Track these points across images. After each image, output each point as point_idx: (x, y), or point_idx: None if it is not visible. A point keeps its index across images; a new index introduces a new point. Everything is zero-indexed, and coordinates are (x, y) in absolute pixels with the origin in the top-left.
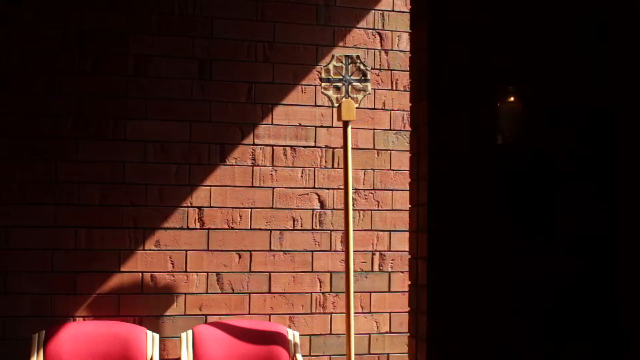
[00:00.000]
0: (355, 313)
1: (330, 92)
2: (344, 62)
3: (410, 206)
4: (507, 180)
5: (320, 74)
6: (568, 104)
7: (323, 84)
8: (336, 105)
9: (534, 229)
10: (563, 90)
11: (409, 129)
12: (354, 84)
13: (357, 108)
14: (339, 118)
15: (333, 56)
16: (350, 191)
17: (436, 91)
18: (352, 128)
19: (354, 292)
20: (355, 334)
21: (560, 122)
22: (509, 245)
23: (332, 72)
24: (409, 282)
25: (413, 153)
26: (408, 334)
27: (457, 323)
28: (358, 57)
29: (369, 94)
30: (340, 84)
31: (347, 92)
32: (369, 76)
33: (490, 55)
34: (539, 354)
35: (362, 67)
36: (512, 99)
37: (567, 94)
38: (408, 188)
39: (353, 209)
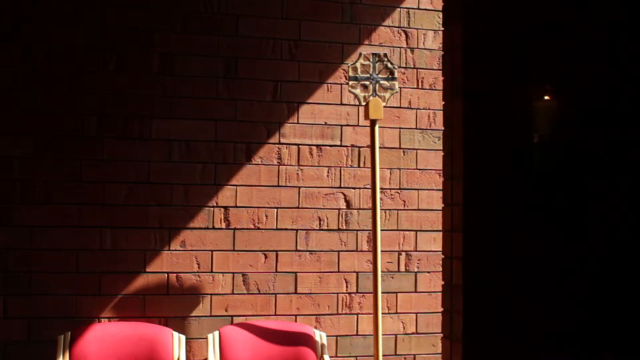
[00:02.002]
0: (382, 314)
1: (358, 91)
2: (371, 60)
3: (443, 205)
4: (543, 178)
5: (348, 73)
6: (604, 102)
7: (350, 83)
8: (363, 103)
9: (570, 227)
10: (599, 88)
11: (435, 127)
12: (381, 82)
13: (383, 107)
14: (366, 117)
15: (360, 54)
16: (378, 191)
17: (471, 89)
18: (378, 127)
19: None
20: (382, 334)
21: (596, 120)
22: (545, 244)
23: (359, 70)
24: (442, 282)
25: (446, 152)
26: (441, 334)
27: (493, 324)
28: (385, 55)
29: (396, 92)
30: (367, 83)
31: (374, 90)
32: (396, 74)
33: (526, 52)
34: (576, 354)
35: (389, 65)
36: (547, 97)
37: (603, 92)
38: (434, 187)
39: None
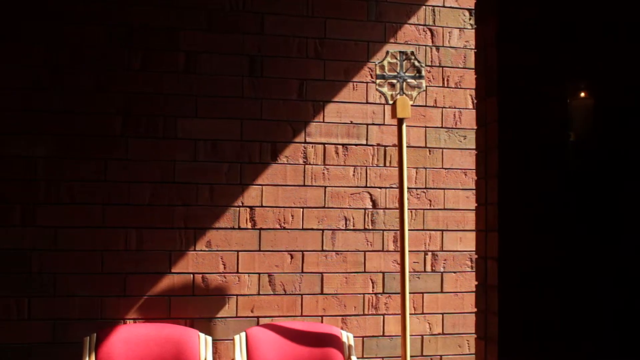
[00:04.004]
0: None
1: (385, 89)
2: (398, 58)
3: (476, 205)
4: (579, 177)
5: (375, 71)
6: None
7: (378, 81)
8: (391, 102)
9: (606, 227)
10: (636, 86)
11: (461, 126)
12: (409, 80)
13: (410, 105)
14: (394, 115)
15: (387, 52)
16: (406, 190)
17: (506, 87)
18: (405, 126)
19: None
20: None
21: (633, 119)
22: (580, 244)
23: (386, 68)
24: (476, 282)
25: (480, 151)
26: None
27: (528, 324)
28: (412, 53)
29: (424, 90)
30: (395, 81)
31: (401, 89)
32: (423, 73)
33: (561, 50)
34: (612, 355)
35: (416, 63)
36: (583, 94)
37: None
38: (460, 187)
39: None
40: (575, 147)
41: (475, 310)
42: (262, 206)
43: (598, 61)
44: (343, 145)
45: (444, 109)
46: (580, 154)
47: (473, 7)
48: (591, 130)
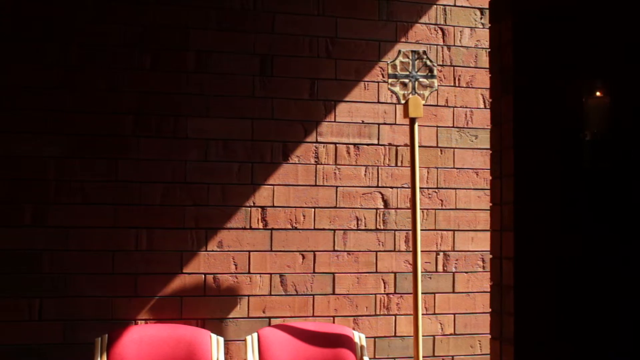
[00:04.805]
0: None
1: (397, 89)
2: (410, 57)
3: (491, 204)
4: (595, 176)
5: (387, 70)
6: None
7: (390, 80)
8: (403, 102)
9: (623, 226)
10: None
11: (472, 126)
12: (421, 80)
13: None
14: (406, 115)
15: (400, 52)
16: (418, 190)
17: (521, 86)
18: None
19: None
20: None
21: None
22: (597, 243)
23: (398, 68)
24: (491, 282)
25: (495, 150)
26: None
27: (544, 324)
28: (424, 52)
29: (436, 90)
30: (407, 80)
31: (413, 88)
32: (435, 72)
33: (577, 48)
34: (629, 355)
35: (428, 62)
36: (598, 93)
37: None
38: (471, 187)
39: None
40: (591, 146)
41: (487, 310)
42: (273, 206)
43: (614, 59)
44: (354, 145)
45: (455, 108)
46: (596, 153)
47: (484, 6)
48: (607, 129)
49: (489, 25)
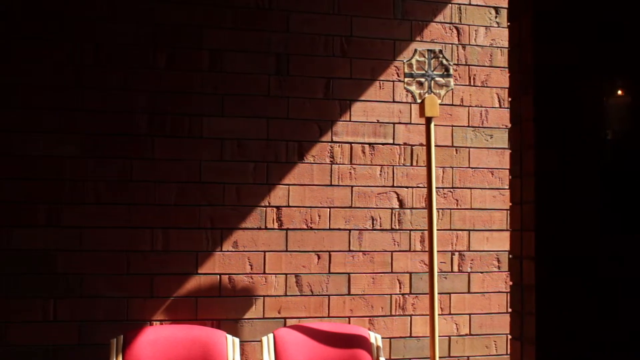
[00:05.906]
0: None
1: (413, 88)
2: (426, 56)
3: (511, 204)
4: (617, 175)
5: (403, 69)
6: None
7: (406, 79)
8: (419, 101)
9: None
10: None
11: (488, 125)
12: (437, 79)
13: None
14: (422, 114)
15: (416, 50)
16: (434, 190)
17: (542, 85)
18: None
19: None
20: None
21: None
22: (619, 243)
23: (414, 67)
24: (511, 283)
25: (514, 150)
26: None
27: (566, 325)
28: (440, 51)
29: (452, 89)
30: (423, 80)
31: (429, 87)
32: (451, 71)
33: (598, 47)
34: None
35: (444, 61)
36: (620, 92)
37: None
38: (487, 186)
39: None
40: (612, 145)
41: (503, 310)
42: (288, 206)
43: (635, 58)
44: (370, 144)
45: (470, 107)
46: (618, 152)
47: (499, 5)
48: (628, 129)
49: (508, 23)
